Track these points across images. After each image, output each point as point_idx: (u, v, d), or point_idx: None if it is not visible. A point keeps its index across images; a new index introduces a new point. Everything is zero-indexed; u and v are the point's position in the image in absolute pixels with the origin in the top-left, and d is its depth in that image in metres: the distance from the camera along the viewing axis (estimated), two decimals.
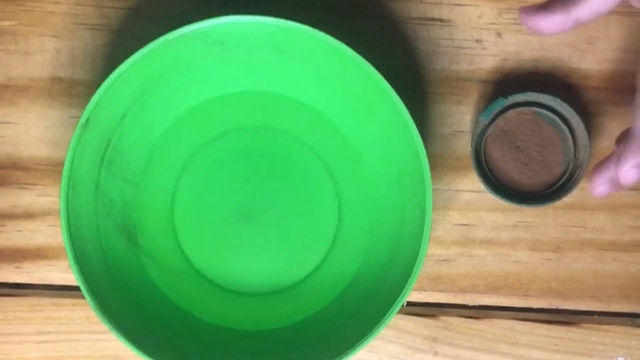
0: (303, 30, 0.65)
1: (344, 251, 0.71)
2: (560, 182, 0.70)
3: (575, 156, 0.70)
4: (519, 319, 0.73)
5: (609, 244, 0.73)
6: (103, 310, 0.65)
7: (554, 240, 0.73)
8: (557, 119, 0.70)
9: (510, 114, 0.70)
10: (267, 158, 0.72)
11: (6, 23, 0.73)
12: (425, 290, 0.73)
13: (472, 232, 0.73)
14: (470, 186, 0.73)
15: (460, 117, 0.73)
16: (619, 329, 0.73)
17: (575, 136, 0.70)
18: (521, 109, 0.70)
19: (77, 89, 0.73)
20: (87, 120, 0.65)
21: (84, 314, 0.73)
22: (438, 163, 0.73)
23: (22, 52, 0.73)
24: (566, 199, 0.72)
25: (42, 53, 0.73)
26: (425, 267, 0.73)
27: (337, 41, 0.65)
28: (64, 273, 0.73)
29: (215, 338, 0.70)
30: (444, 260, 0.73)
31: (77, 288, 0.72)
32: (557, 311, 0.73)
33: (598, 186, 0.64)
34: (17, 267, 0.73)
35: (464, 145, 0.73)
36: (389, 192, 0.69)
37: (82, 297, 0.72)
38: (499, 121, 0.70)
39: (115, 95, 0.66)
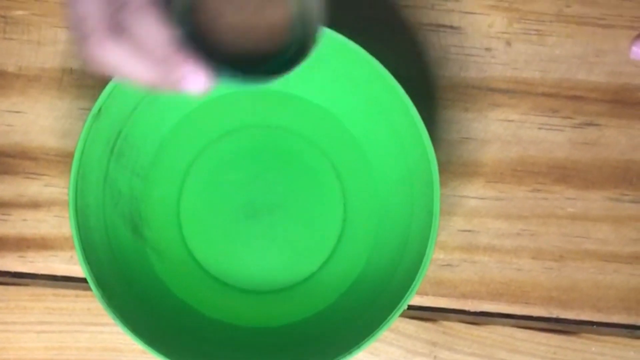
0: None
1: (348, 251, 0.72)
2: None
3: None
4: (519, 327, 0.73)
5: (611, 255, 0.73)
6: (107, 300, 0.64)
7: (556, 250, 0.73)
8: None
9: None
10: (275, 157, 0.72)
11: (19, 12, 0.73)
12: (426, 295, 0.73)
13: (475, 239, 0.73)
14: (475, 193, 0.73)
15: (468, 124, 0.73)
16: (618, 339, 0.73)
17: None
18: None
19: (87, 80, 0.73)
20: (99, 110, 0.65)
21: (85, 305, 0.73)
22: (444, 168, 0.73)
23: (35, 42, 0.73)
24: (570, 209, 0.73)
25: (54, 44, 0.73)
26: (428, 271, 0.73)
27: (353, 43, 0.65)
28: (67, 264, 0.73)
29: (217, 333, 0.70)
30: (446, 265, 0.73)
31: (79, 279, 0.72)
32: (557, 320, 0.73)
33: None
34: (21, 257, 0.73)
35: (471, 152, 0.73)
36: (396, 194, 0.70)
37: (85, 288, 0.72)
38: None
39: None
